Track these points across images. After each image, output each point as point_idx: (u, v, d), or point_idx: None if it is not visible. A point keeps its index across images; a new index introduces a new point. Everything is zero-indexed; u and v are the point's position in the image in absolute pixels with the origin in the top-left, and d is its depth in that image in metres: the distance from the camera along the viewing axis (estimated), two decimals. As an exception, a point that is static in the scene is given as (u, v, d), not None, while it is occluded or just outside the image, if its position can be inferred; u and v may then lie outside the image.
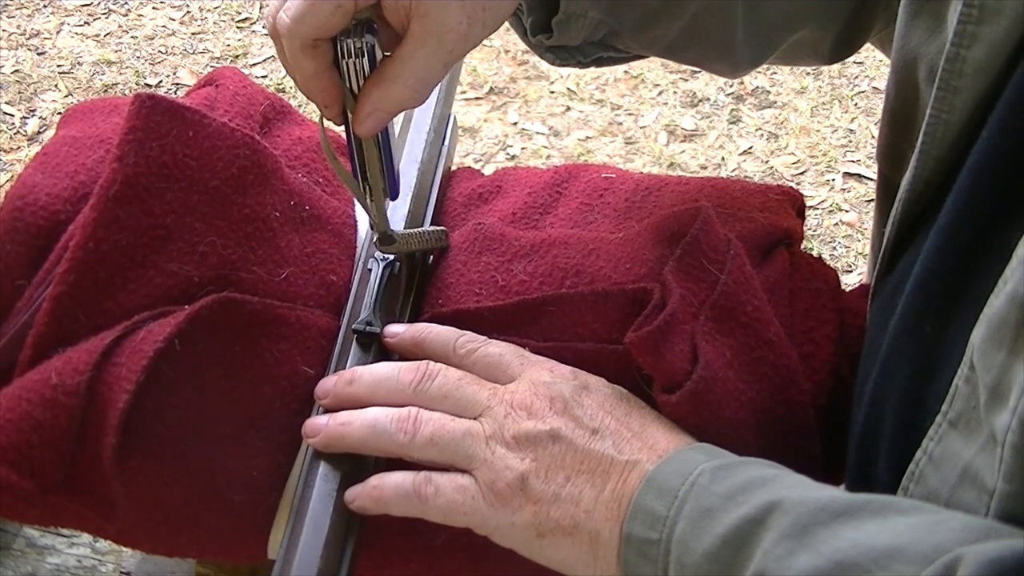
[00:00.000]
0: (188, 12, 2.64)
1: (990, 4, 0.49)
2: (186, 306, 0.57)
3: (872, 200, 2.04)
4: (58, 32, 2.54)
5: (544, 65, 2.48)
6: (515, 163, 2.22)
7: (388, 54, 0.56)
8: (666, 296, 0.59)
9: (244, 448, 0.59)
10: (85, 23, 2.58)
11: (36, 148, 2.17)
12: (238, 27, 2.60)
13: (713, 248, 0.61)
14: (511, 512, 0.54)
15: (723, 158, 2.25)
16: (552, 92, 2.41)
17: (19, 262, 0.59)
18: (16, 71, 2.42)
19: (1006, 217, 0.48)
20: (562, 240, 0.66)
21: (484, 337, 0.61)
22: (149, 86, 2.40)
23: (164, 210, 0.58)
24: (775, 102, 2.40)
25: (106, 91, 2.38)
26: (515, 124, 2.33)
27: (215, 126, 0.60)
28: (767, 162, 2.24)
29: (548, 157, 2.23)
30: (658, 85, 2.43)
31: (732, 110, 2.37)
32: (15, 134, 2.25)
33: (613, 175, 0.74)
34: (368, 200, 0.61)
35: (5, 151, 2.20)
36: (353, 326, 0.62)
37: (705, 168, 2.23)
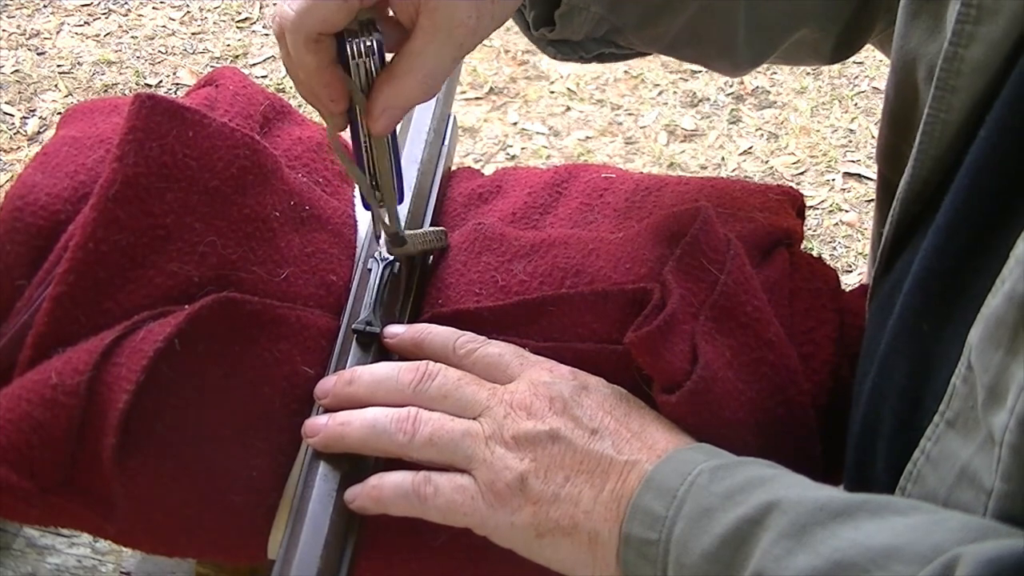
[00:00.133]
0: (188, 12, 2.64)
1: (988, 4, 0.49)
2: (186, 306, 0.57)
3: (872, 200, 2.04)
4: (58, 32, 2.54)
5: (544, 65, 2.49)
6: (515, 163, 2.22)
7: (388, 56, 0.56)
8: (666, 296, 0.59)
9: (244, 448, 0.59)
10: (85, 23, 2.58)
11: (36, 148, 2.17)
12: (238, 27, 2.60)
13: (713, 248, 0.61)
14: (510, 512, 0.54)
15: (723, 158, 2.25)
16: (552, 92, 2.41)
17: (19, 262, 0.59)
18: (16, 71, 2.42)
19: (1004, 216, 0.48)
20: (562, 240, 0.66)
21: (483, 337, 0.61)
22: (149, 86, 2.40)
23: (164, 210, 0.58)
24: (775, 102, 2.40)
25: (106, 91, 2.38)
26: (515, 124, 2.33)
27: (215, 126, 0.60)
28: (767, 162, 2.24)
29: (548, 157, 2.23)
30: (658, 85, 2.43)
31: (732, 110, 2.37)
32: (15, 134, 2.25)
33: (613, 175, 0.74)
34: (381, 202, 0.61)
35: (5, 151, 2.20)
36: (353, 326, 0.62)
37: (705, 168, 2.23)
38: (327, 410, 0.59)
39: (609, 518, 0.52)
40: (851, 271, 2.00)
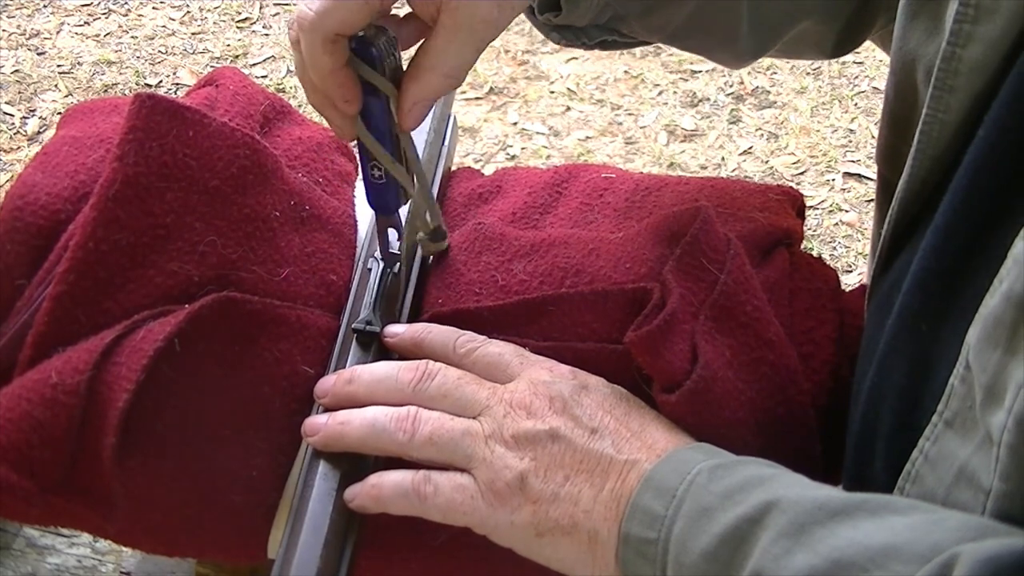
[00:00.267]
0: (188, 12, 2.64)
1: (986, 3, 0.49)
2: (186, 305, 0.57)
3: (872, 200, 2.04)
4: (58, 32, 2.54)
5: (544, 65, 2.49)
6: (515, 163, 2.22)
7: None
8: (666, 296, 0.59)
9: (244, 448, 0.59)
10: (85, 23, 2.58)
11: (36, 148, 2.17)
12: (238, 27, 2.61)
13: (713, 248, 0.61)
14: (510, 511, 0.54)
15: (723, 158, 2.25)
16: (552, 92, 2.41)
17: (19, 262, 0.59)
18: (16, 71, 2.42)
19: (1003, 216, 0.48)
20: (562, 240, 0.66)
21: (484, 336, 0.61)
22: (149, 86, 2.40)
23: (164, 210, 0.58)
24: (775, 102, 2.40)
25: (106, 91, 2.38)
26: (515, 124, 2.33)
27: (215, 126, 0.60)
28: (767, 162, 2.24)
29: (548, 157, 2.23)
30: (658, 85, 2.43)
31: (732, 110, 2.37)
32: (15, 134, 2.25)
33: (613, 175, 0.75)
34: (422, 194, 0.62)
35: (5, 151, 2.20)
36: (353, 325, 0.62)
37: (705, 168, 2.23)
38: (327, 409, 0.59)
39: (608, 517, 0.52)
40: (851, 271, 2.00)
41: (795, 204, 0.73)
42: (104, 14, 2.61)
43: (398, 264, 0.65)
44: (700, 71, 2.47)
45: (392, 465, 0.57)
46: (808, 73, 2.47)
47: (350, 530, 0.56)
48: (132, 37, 2.55)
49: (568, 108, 2.38)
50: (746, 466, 0.51)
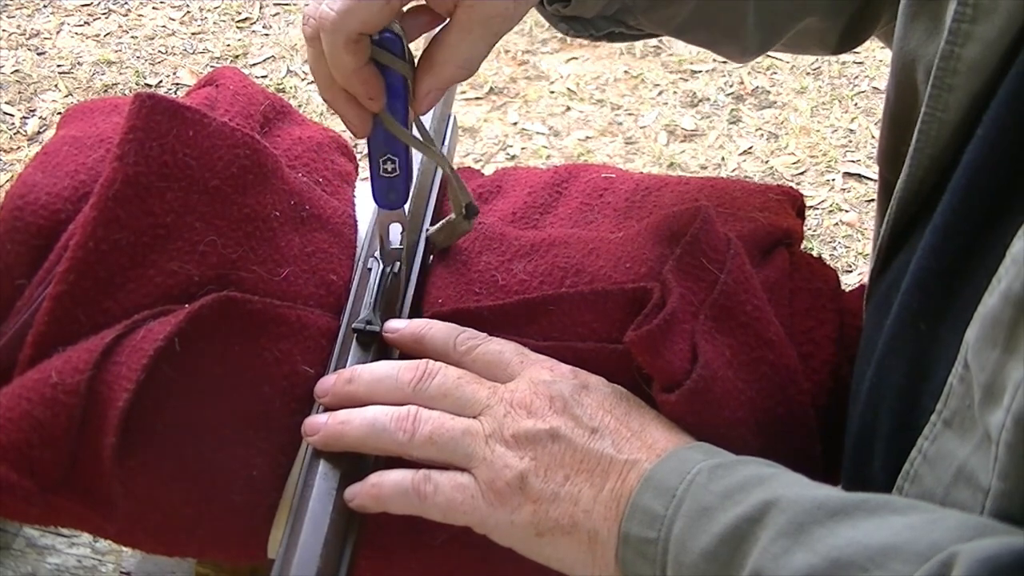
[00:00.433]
0: (188, 12, 2.64)
1: (984, 3, 0.49)
2: (186, 305, 0.57)
3: (872, 200, 2.04)
4: (58, 32, 2.55)
5: (544, 65, 2.49)
6: (515, 163, 2.22)
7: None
8: (666, 295, 0.59)
9: (244, 448, 0.59)
10: (85, 23, 2.58)
11: (36, 148, 2.17)
12: (238, 27, 2.61)
13: (713, 248, 0.61)
14: (510, 511, 0.54)
15: (723, 158, 2.25)
16: (552, 92, 2.41)
17: (19, 261, 0.59)
18: (16, 71, 2.42)
19: (1001, 215, 0.48)
20: (562, 239, 0.66)
21: (484, 334, 0.61)
22: (149, 86, 2.40)
23: (164, 209, 0.58)
24: (775, 102, 2.40)
25: (106, 91, 2.38)
26: (515, 124, 2.33)
27: (215, 126, 0.60)
28: (767, 162, 2.24)
29: (548, 157, 2.23)
30: (658, 85, 2.43)
31: (732, 110, 2.37)
32: (15, 134, 2.25)
33: (613, 175, 0.75)
34: (453, 172, 0.63)
35: (5, 151, 2.20)
36: (353, 325, 0.62)
37: (705, 168, 2.23)
38: (327, 409, 0.59)
39: (608, 517, 0.52)
40: (851, 271, 2.00)
41: (795, 204, 0.73)
42: (104, 14, 2.61)
43: (397, 262, 0.65)
44: (700, 71, 2.47)
45: (392, 465, 0.57)
46: (808, 73, 2.47)
47: (350, 530, 0.56)
48: (132, 37, 2.55)
49: (568, 108, 2.38)
50: (746, 466, 0.51)
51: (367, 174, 0.63)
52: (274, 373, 0.60)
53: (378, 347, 0.62)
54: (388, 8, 0.53)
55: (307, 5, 0.55)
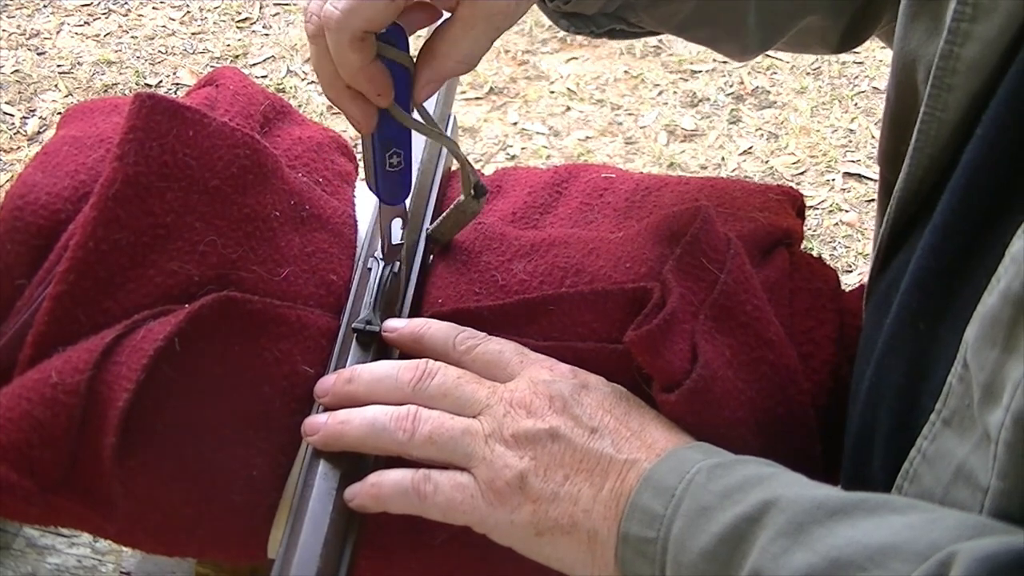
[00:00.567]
0: (188, 12, 2.64)
1: (984, 2, 0.49)
2: (186, 305, 0.57)
3: (872, 200, 2.04)
4: (58, 32, 2.54)
5: (544, 65, 2.49)
6: (515, 163, 2.22)
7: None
8: (666, 295, 0.59)
9: (244, 448, 0.59)
10: (85, 23, 2.58)
11: (36, 148, 2.17)
12: (238, 27, 2.60)
13: (713, 247, 0.61)
14: (510, 510, 0.54)
15: (723, 158, 2.25)
16: (552, 92, 2.41)
17: (19, 261, 0.59)
18: (16, 71, 2.42)
19: (1001, 215, 0.48)
20: (562, 239, 0.66)
21: (484, 333, 0.61)
22: (149, 86, 2.40)
23: (164, 209, 0.58)
24: (775, 102, 2.40)
25: (106, 91, 2.38)
26: (515, 124, 2.33)
27: (215, 126, 0.60)
28: (767, 162, 2.24)
29: (548, 157, 2.23)
30: (658, 85, 2.43)
31: (732, 110, 2.37)
32: (15, 134, 2.25)
33: (613, 175, 0.75)
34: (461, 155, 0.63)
35: (5, 151, 2.20)
36: (353, 325, 0.62)
37: (705, 168, 2.22)
38: (327, 408, 0.59)
39: (608, 516, 0.52)
40: (851, 271, 2.00)
41: (795, 204, 0.73)
42: (104, 14, 2.61)
43: (398, 261, 0.65)
44: (700, 71, 2.47)
45: (392, 464, 0.57)
46: (808, 73, 2.47)
47: (350, 530, 0.56)
48: (132, 37, 2.55)
49: (568, 108, 2.38)
50: (745, 465, 0.51)
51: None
52: (274, 373, 0.60)
53: (378, 347, 0.62)
54: (393, 6, 0.53)
55: (309, 3, 0.55)
